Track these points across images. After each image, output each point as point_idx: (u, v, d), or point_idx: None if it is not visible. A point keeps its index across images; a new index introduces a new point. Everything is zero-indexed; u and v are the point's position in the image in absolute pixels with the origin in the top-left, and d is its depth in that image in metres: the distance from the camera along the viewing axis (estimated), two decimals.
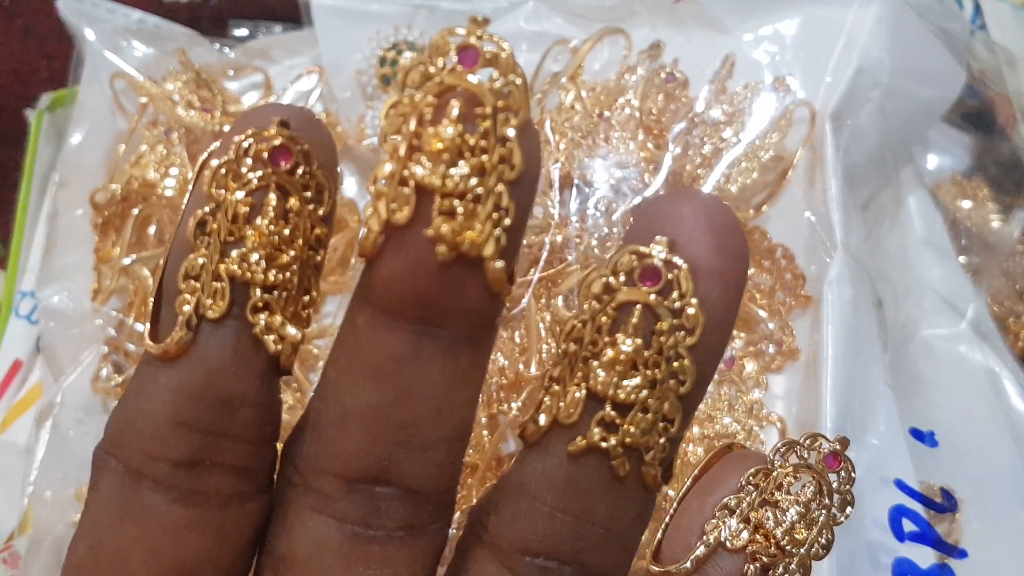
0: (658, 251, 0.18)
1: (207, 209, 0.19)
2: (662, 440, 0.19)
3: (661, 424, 0.19)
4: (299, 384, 0.43)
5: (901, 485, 0.39)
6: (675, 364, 0.19)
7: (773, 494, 0.20)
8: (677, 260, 0.18)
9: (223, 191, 0.19)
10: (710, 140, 0.43)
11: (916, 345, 0.45)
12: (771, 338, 0.42)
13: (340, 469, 0.20)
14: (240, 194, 0.19)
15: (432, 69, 0.18)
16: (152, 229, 0.47)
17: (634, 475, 0.19)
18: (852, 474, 0.21)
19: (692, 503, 0.21)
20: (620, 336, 0.19)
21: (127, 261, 0.45)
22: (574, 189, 0.43)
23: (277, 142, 0.19)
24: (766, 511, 0.20)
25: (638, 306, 0.19)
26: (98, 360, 0.45)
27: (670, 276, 0.18)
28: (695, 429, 0.40)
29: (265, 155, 0.19)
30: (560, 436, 0.20)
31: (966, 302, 0.46)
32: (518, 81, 0.18)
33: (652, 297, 0.18)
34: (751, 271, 0.42)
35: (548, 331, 0.40)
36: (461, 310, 0.19)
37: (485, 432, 0.40)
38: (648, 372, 0.19)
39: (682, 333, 0.18)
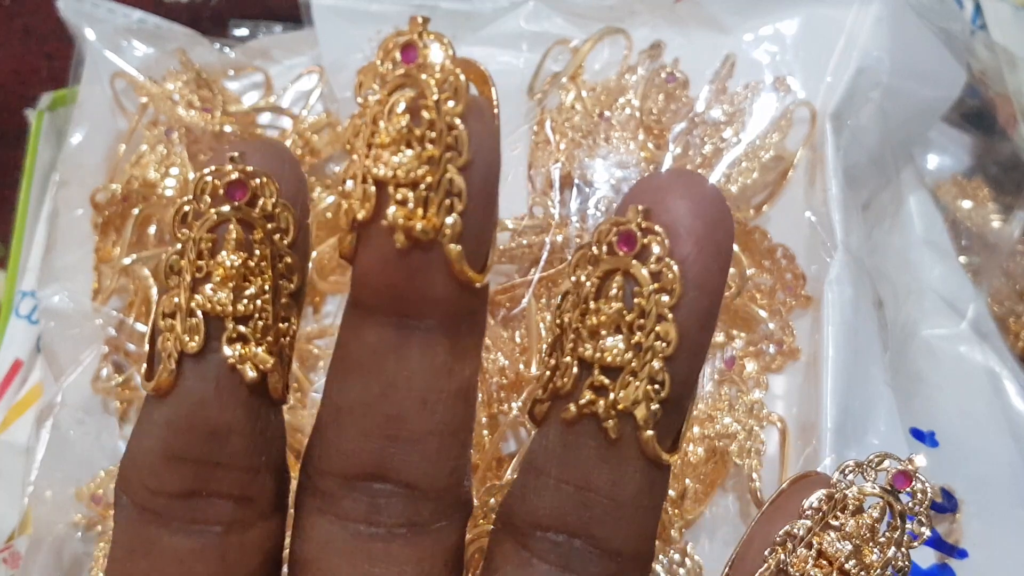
0: (634, 217, 0.19)
1: (176, 248, 0.20)
2: (654, 404, 0.19)
3: (650, 386, 0.19)
4: (299, 384, 0.43)
5: None
6: (657, 327, 0.19)
7: (837, 517, 0.20)
8: (650, 224, 0.19)
9: (186, 230, 0.20)
10: (710, 140, 0.43)
11: (916, 345, 0.45)
12: (771, 338, 0.42)
13: (339, 467, 0.21)
14: (202, 230, 0.20)
15: (382, 70, 0.19)
16: (152, 229, 0.47)
17: (630, 441, 0.20)
18: (927, 492, 0.20)
19: (757, 534, 0.21)
20: (603, 302, 0.19)
21: (127, 261, 0.45)
22: (574, 189, 0.43)
23: (233, 177, 0.20)
24: (829, 535, 0.20)
25: (618, 272, 0.19)
26: (98, 360, 0.45)
27: (646, 240, 0.19)
28: (695, 429, 0.40)
29: (220, 191, 0.20)
30: (558, 407, 0.20)
31: (966, 302, 0.46)
32: (458, 71, 0.19)
33: (632, 262, 0.19)
34: (751, 271, 0.42)
35: (548, 331, 0.40)
36: (430, 300, 0.19)
37: (485, 432, 0.40)
38: (631, 335, 0.19)
39: (662, 295, 0.19)
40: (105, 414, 0.45)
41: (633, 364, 0.19)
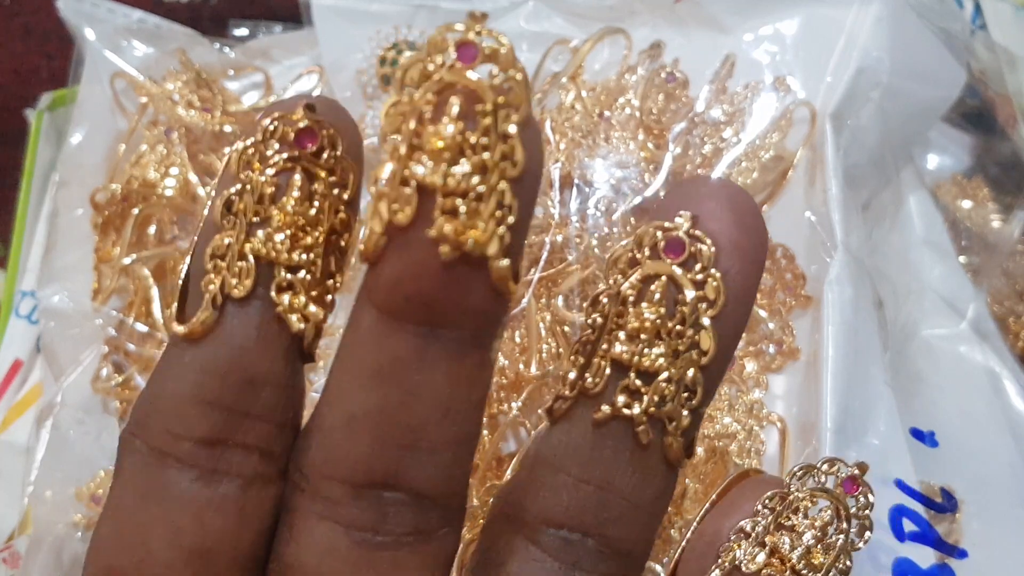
0: (682, 223, 0.19)
1: (234, 189, 0.20)
2: (684, 411, 0.19)
3: (684, 394, 0.19)
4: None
5: (901, 485, 0.39)
6: (697, 335, 0.19)
7: (789, 518, 0.21)
8: (700, 234, 0.19)
9: (250, 172, 0.20)
10: (710, 140, 0.43)
11: (916, 345, 0.45)
12: (771, 338, 0.42)
13: (347, 475, 0.20)
14: (266, 174, 0.19)
15: (431, 66, 0.18)
16: (152, 229, 0.47)
17: (657, 446, 0.20)
18: (871, 499, 0.21)
19: (708, 527, 0.21)
20: (644, 306, 0.19)
21: (127, 261, 0.45)
22: (574, 189, 0.43)
23: (303, 124, 0.19)
24: (782, 535, 0.20)
25: (662, 277, 0.19)
26: (98, 360, 0.45)
27: (693, 249, 0.19)
28: None
29: (291, 137, 0.19)
30: (586, 406, 0.20)
31: (966, 302, 0.46)
32: (518, 76, 0.18)
33: (675, 269, 0.19)
34: None
35: (548, 331, 0.40)
36: (466, 311, 0.19)
37: (485, 432, 0.40)
38: (671, 341, 0.19)
39: (704, 305, 0.19)
40: (105, 414, 0.45)
41: (672, 371, 0.19)
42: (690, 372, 0.19)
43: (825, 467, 0.21)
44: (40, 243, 0.52)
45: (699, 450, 0.39)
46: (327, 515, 0.20)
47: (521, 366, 0.40)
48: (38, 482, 0.44)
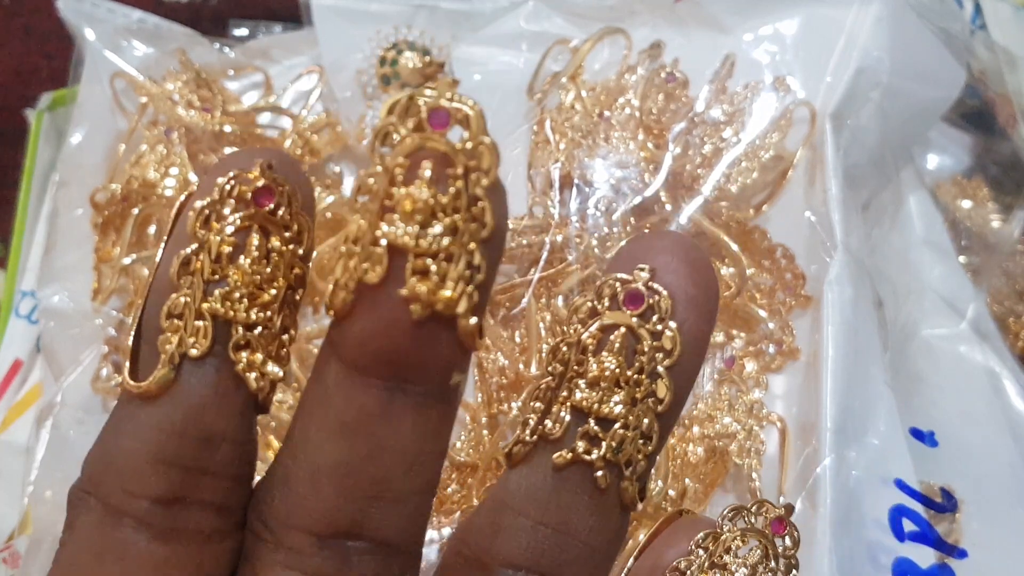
0: (641, 276, 0.20)
1: (190, 249, 0.20)
2: (640, 456, 0.20)
3: (640, 440, 0.20)
4: (299, 384, 0.43)
5: (901, 485, 0.39)
6: (654, 384, 0.20)
7: (722, 557, 0.22)
8: (657, 287, 0.20)
9: (206, 232, 0.20)
10: (710, 140, 0.43)
11: (916, 345, 0.45)
12: (771, 338, 0.42)
13: (312, 525, 0.20)
14: (224, 234, 0.20)
15: (403, 131, 0.18)
16: (152, 229, 0.47)
17: (613, 490, 0.20)
18: (797, 538, 0.22)
19: (643, 567, 0.22)
20: (604, 355, 0.20)
21: (127, 261, 0.45)
22: (574, 189, 0.43)
23: (260, 183, 0.20)
24: (715, 573, 0.21)
25: (621, 328, 0.20)
26: (98, 360, 0.45)
27: (651, 301, 0.20)
28: (695, 429, 0.40)
29: (248, 196, 0.20)
30: (545, 451, 0.20)
31: (966, 302, 0.46)
32: (487, 141, 0.18)
33: (634, 320, 0.20)
34: (751, 271, 0.42)
35: (548, 331, 0.40)
36: (433, 367, 0.19)
37: (485, 432, 0.40)
38: (629, 390, 0.20)
39: (661, 355, 0.20)
40: (105, 414, 0.44)
41: (630, 418, 0.20)
42: (646, 420, 0.20)
43: (755, 508, 0.22)
44: (40, 243, 0.52)
45: (699, 450, 0.39)
46: (291, 564, 0.20)
47: (521, 366, 0.40)
48: (38, 482, 0.44)
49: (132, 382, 0.20)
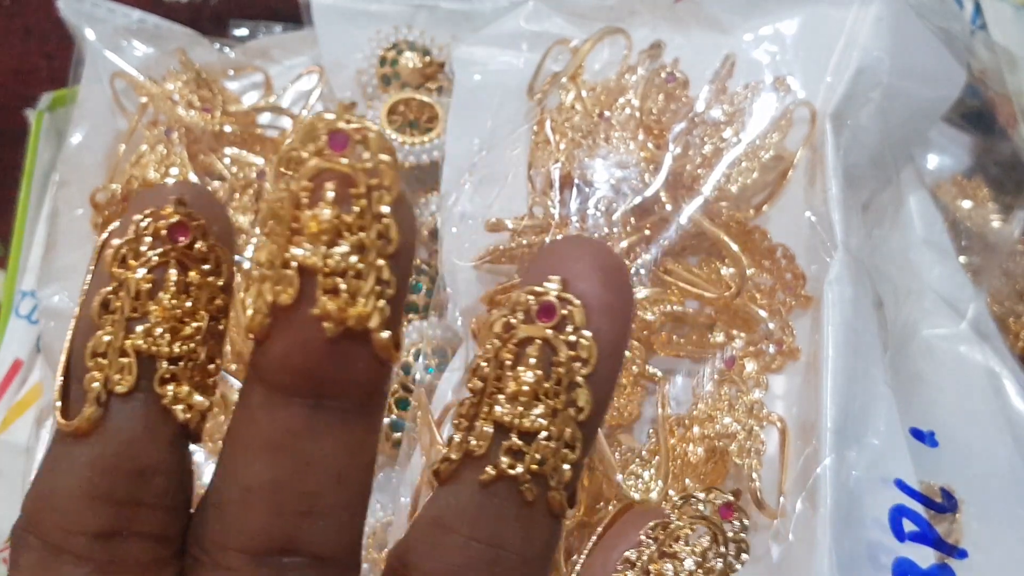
0: (552, 288, 0.20)
1: (110, 288, 0.20)
2: (565, 465, 0.20)
3: (564, 450, 0.20)
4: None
5: (901, 485, 0.39)
6: (573, 393, 0.20)
7: (671, 545, 0.22)
8: (569, 296, 0.20)
9: (124, 270, 0.20)
10: (710, 140, 0.43)
11: (916, 345, 0.45)
12: (771, 338, 0.42)
13: (245, 544, 0.21)
14: (141, 271, 0.20)
15: (304, 154, 0.19)
16: None
17: (541, 500, 0.21)
18: (745, 523, 0.23)
19: (596, 559, 0.23)
20: (521, 369, 0.20)
21: None
22: (574, 189, 0.43)
23: (174, 219, 0.20)
24: (665, 562, 0.22)
25: (537, 341, 0.20)
26: None
27: (564, 312, 0.20)
28: (695, 429, 0.40)
29: (163, 232, 0.20)
30: (471, 468, 0.21)
31: (966, 302, 0.46)
32: (387, 158, 0.19)
33: (549, 332, 0.20)
34: (751, 271, 0.42)
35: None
36: (352, 382, 0.20)
37: None
38: (549, 401, 0.20)
39: (578, 364, 0.20)
40: None
41: (552, 429, 0.20)
42: (568, 429, 0.20)
43: (703, 495, 0.23)
44: (40, 243, 0.52)
45: (699, 450, 0.39)
46: None
47: None
48: None
49: (63, 420, 0.20)
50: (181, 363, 0.20)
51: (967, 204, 0.53)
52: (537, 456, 0.20)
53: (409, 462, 0.40)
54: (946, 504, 0.40)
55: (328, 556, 0.21)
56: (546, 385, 0.20)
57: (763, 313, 0.42)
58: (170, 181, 0.46)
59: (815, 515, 0.36)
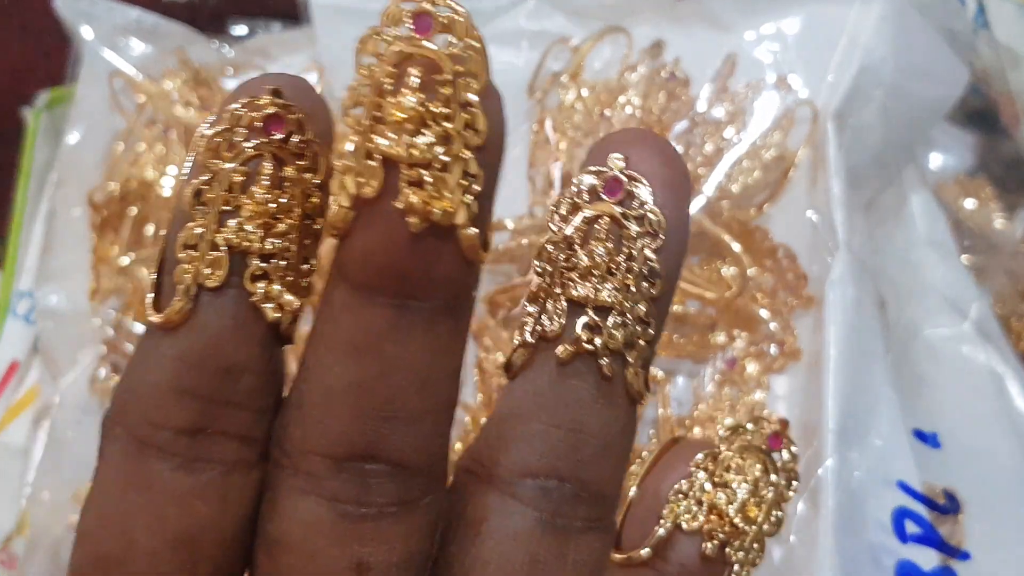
0: (617, 164, 0.20)
1: (203, 178, 0.19)
2: (641, 341, 0.20)
3: (639, 327, 0.20)
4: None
5: (904, 487, 0.39)
6: (644, 267, 0.20)
7: (722, 476, 0.22)
8: (634, 173, 0.20)
9: (218, 161, 0.19)
10: (712, 139, 0.43)
11: (919, 345, 0.44)
12: (773, 339, 0.42)
13: (327, 448, 0.20)
14: (234, 163, 0.19)
15: (388, 39, 0.18)
16: (150, 228, 0.46)
17: (619, 379, 0.20)
18: (794, 452, 0.22)
19: (647, 491, 0.22)
20: (593, 244, 0.20)
21: (125, 261, 0.45)
22: None
23: (270, 111, 0.19)
24: (717, 492, 0.22)
25: (605, 217, 0.20)
26: (96, 360, 0.45)
27: (629, 188, 0.20)
28: (696, 430, 0.40)
29: (258, 124, 0.19)
30: (546, 352, 0.20)
31: (969, 302, 0.46)
32: (476, 44, 0.18)
33: (616, 208, 0.20)
34: (753, 271, 0.42)
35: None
36: (437, 281, 0.19)
37: None
38: (621, 276, 0.20)
39: (648, 238, 0.20)
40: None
41: (626, 304, 0.20)
42: (642, 305, 0.20)
43: (752, 426, 0.22)
44: (37, 243, 0.52)
45: None
46: (309, 489, 0.20)
47: None
48: (35, 484, 0.44)
49: (153, 313, 0.20)
50: (273, 260, 0.20)
51: (970, 204, 0.53)
52: (614, 331, 0.20)
53: None
54: (949, 506, 0.40)
55: (411, 464, 0.20)
56: (618, 260, 0.19)
57: (764, 313, 0.42)
58: (168, 181, 0.46)
59: (817, 516, 0.36)
